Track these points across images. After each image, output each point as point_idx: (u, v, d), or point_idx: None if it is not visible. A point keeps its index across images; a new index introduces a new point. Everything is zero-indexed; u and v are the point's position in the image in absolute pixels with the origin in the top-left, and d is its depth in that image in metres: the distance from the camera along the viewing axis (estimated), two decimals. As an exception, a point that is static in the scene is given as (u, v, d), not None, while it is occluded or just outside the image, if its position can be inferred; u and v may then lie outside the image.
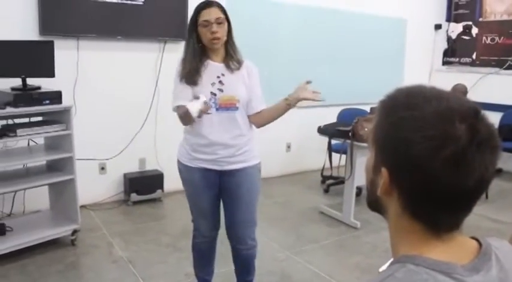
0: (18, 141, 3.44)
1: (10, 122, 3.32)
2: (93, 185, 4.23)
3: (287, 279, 3.07)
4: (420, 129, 0.69)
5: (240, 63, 2.38)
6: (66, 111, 3.27)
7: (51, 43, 3.34)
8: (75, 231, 3.40)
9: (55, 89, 3.27)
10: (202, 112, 2.16)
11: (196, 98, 2.20)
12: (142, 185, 4.36)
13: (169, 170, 4.51)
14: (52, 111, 3.26)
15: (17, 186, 3.27)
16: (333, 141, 4.28)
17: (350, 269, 3.21)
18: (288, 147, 5.55)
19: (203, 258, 2.67)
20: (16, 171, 3.45)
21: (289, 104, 2.48)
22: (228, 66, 2.34)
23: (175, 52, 4.46)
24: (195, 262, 2.69)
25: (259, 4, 4.92)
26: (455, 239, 0.75)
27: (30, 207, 3.82)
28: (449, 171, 0.68)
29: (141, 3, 4.15)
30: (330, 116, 4.96)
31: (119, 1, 4.03)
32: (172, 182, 4.54)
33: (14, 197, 3.72)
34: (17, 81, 3.25)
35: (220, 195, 2.46)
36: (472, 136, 0.67)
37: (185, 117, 2.20)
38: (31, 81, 3.29)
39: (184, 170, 2.44)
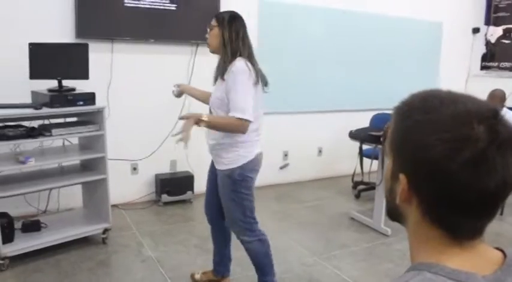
0: (54, 141, 3.54)
1: (46, 122, 3.42)
2: (125, 185, 4.30)
3: (314, 284, 3.04)
4: (437, 132, 0.67)
5: (222, 73, 2.44)
6: (99, 112, 3.34)
7: (86, 46, 3.42)
8: (106, 230, 3.46)
9: (89, 90, 3.34)
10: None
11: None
12: (173, 186, 4.41)
13: (200, 172, 4.55)
14: (86, 112, 3.34)
15: (52, 184, 3.37)
16: (365, 146, 4.22)
17: (379, 277, 3.15)
18: (320, 151, 5.51)
19: (211, 237, 2.96)
20: (51, 169, 3.55)
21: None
22: (220, 73, 2.47)
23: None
24: (271, 260, 2.72)
25: (290, 8, 4.90)
26: (477, 247, 0.72)
27: (64, 205, 3.93)
28: (469, 174, 0.65)
29: (174, 8, 4.21)
30: (362, 121, 4.90)
31: (152, 6, 4.10)
32: (203, 183, 4.57)
33: (49, 195, 3.83)
34: (53, 83, 3.34)
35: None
36: (492, 137, 0.65)
37: None
38: (67, 83, 3.38)
39: None
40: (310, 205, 4.61)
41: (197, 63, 4.46)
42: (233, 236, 2.79)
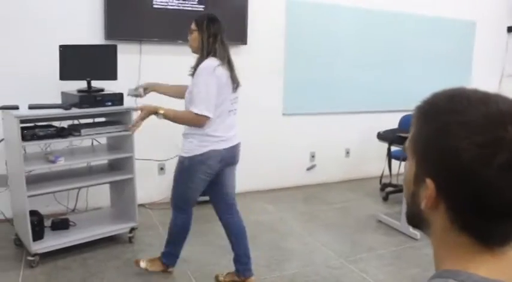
0: (83, 141, 3.60)
1: (76, 122, 3.49)
2: (152, 185, 4.34)
3: (340, 287, 3.00)
4: (469, 135, 0.63)
5: (194, 69, 2.68)
6: (127, 113, 3.38)
7: (115, 47, 3.47)
8: (132, 229, 3.50)
9: (118, 91, 3.39)
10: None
11: None
12: (200, 187, 4.41)
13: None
14: (114, 112, 3.39)
15: (81, 183, 3.44)
16: (393, 148, 4.15)
17: (406, 281, 3.09)
18: (347, 152, 5.45)
19: None
20: (80, 169, 3.62)
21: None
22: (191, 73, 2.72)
23: (235, 55, 4.44)
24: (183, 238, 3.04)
25: (318, 8, 4.86)
26: (508, 255, 0.68)
27: (92, 204, 4.00)
28: (504, 179, 0.62)
29: (202, 9, 4.23)
30: (391, 122, 4.82)
31: (180, 7, 4.13)
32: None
33: (77, 194, 3.90)
34: (83, 84, 3.40)
35: None
36: None
37: None
38: (96, 84, 3.44)
39: None
40: (337, 207, 4.56)
41: (224, 63, 4.46)
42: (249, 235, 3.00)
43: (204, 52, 2.64)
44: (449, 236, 0.70)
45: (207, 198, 4.33)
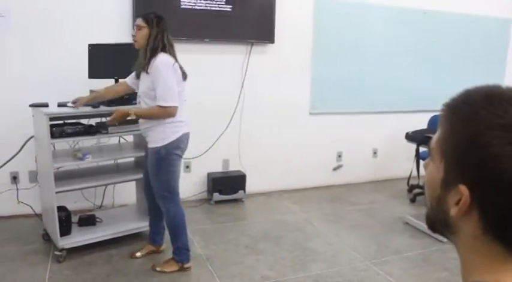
0: (110, 138, 3.65)
1: (103, 120, 3.53)
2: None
3: (365, 290, 2.95)
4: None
5: (145, 68, 2.84)
6: (154, 111, 3.39)
7: (142, 45, 3.49)
8: (157, 227, 3.52)
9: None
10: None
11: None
12: (225, 185, 4.43)
13: (252, 172, 4.58)
14: (141, 110, 3.41)
15: (108, 180, 3.48)
16: (422, 149, 4.07)
17: (433, 285, 3.02)
18: (375, 153, 5.37)
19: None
20: (107, 166, 3.67)
21: None
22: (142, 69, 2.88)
23: (262, 54, 4.51)
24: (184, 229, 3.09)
25: (346, 6, 4.80)
26: None
27: (118, 201, 4.06)
28: None
29: (229, 9, 4.23)
30: (420, 123, 4.72)
31: (208, 8, 4.14)
32: (255, 183, 4.61)
33: (104, 191, 3.96)
34: (111, 82, 3.44)
35: None
36: None
37: None
38: (123, 82, 3.47)
39: None
40: (363, 208, 4.50)
41: (251, 62, 4.46)
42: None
43: (149, 48, 2.82)
44: (479, 244, 0.66)
45: (229, 197, 4.39)
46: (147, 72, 2.83)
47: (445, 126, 0.68)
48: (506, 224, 0.62)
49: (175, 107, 2.82)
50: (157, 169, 2.95)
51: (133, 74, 3.06)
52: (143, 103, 2.91)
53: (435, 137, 0.71)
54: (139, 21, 2.88)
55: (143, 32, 2.85)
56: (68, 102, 3.15)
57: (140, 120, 2.99)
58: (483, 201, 0.63)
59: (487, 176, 0.61)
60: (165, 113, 2.81)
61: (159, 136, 2.89)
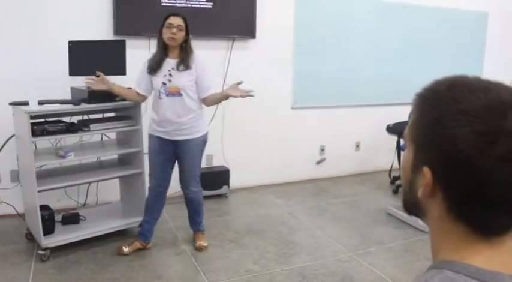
0: (92, 136, 3.63)
1: (85, 117, 3.52)
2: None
3: (348, 281, 2.99)
4: (468, 123, 0.62)
5: (187, 66, 3.08)
6: (136, 107, 3.40)
7: (123, 42, 3.49)
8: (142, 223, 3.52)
9: (127, 86, 3.40)
10: None
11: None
12: (209, 181, 4.43)
13: (236, 167, 4.60)
14: (123, 107, 3.41)
15: (91, 178, 3.47)
16: (402, 141, 4.12)
17: (415, 274, 3.06)
18: (357, 146, 5.42)
19: (147, 208, 3.35)
20: (90, 164, 3.65)
21: (225, 96, 3.24)
22: (178, 64, 3.07)
23: (243, 49, 4.51)
24: (145, 209, 3.36)
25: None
26: (506, 244, 0.67)
27: (102, 199, 4.04)
28: (504, 169, 0.60)
29: (210, 6, 4.23)
30: (401, 115, 4.77)
31: (188, 5, 4.13)
32: (239, 178, 4.62)
33: (88, 189, 3.94)
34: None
35: (174, 159, 3.26)
36: None
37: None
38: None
39: (149, 137, 3.27)
40: (346, 200, 4.55)
41: (233, 57, 4.47)
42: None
43: (191, 46, 3.13)
44: (445, 225, 0.69)
45: (214, 192, 4.40)
46: (189, 68, 3.06)
47: (415, 114, 0.71)
48: (466, 204, 0.65)
49: None
50: (201, 155, 3.28)
51: (141, 77, 3.17)
52: (187, 97, 3.09)
53: (408, 125, 0.74)
54: (181, 22, 3.05)
55: (183, 33, 3.06)
56: (49, 100, 3.14)
57: (181, 112, 3.10)
58: (444, 182, 0.66)
59: (445, 158, 0.64)
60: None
61: (203, 124, 3.27)
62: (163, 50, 3.10)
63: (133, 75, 3.65)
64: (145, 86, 3.17)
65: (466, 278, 0.62)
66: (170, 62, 3.09)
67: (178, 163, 3.29)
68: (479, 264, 0.64)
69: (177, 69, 3.06)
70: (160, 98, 3.10)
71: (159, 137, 3.18)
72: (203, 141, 3.24)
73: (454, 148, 0.62)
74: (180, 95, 3.08)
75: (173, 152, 3.22)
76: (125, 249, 3.24)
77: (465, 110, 0.63)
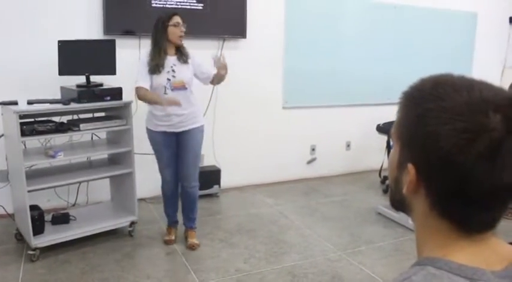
0: (83, 135, 3.62)
1: (75, 117, 3.51)
2: (153, 179, 4.33)
3: (338, 280, 3.01)
4: (450, 121, 0.63)
5: (187, 56, 3.25)
6: (126, 107, 3.39)
7: (113, 42, 3.49)
8: (132, 223, 3.53)
9: (118, 85, 3.40)
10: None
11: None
12: (200, 180, 4.38)
13: (227, 166, 4.60)
14: (113, 106, 3.40)
15: (81, 177, 3.46)
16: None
17: (405, 273, 3.09)
18: (348, 145, 5.44)
19: (169, 199, 3.50)
20: (80, 163, 3.64)
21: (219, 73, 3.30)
22: (179, 59, 3.22)
23: (234, 49, 4.51)
24: (164, 204, 3.53)
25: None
26: (488, 241, 0.68)
27: (92, 199, 4.03)
28: (483, 167, 0.62)
29: (201, 7, 4.23)
30: (392, 114, 4.78)
31: (179, 6, 4.13)
32: (229, 178, 4.62)
33: (78, 188, 3.92)
34: (82, 78, 3.42)
35: (177, 151, 3.33)
36: (509, 128, 0.61)
37: (153, 102, 3.19)
38: (95, 79, 3.45)
39: (151, 134, 3.31)
40: (337, 200, 4.57)
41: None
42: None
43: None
44: (429, 221, 0.70)
45: (204, 192, 4.40)
46: (188, 62, 3.24)
47: (400, 112, 0.73)
48: (447, 200, 0.66)
49: None
50: (201, 147, 3.40)
51: (146, 77, 3.15)
52: (189, 90, 3.25)
53: (394, 123, 0.75)
54: (181, 20, 3.19)
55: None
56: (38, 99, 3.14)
57: (185, 105, 3.18)
58: (427, 178, 0.67)
59: (427, 154, 0.65)
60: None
61: (201, 113, 3.46)
62: (164, 49, 3.16)
63: (124, 75, 3.67)
64: (149, 83, 3.19)
65: (448, 274, 0.64)
66: (170, 59, 3.18)
67: (180, 157, 3.35)
68: (462, 261, 0.65)
69: (180, 62, 3.20)
70: (165, 94, 3.16)
71: (163, 132, 3.25)
72: (202, 131, 3.37)
73: (435, 145, 0.64)
74: (185, 88, 3.21)
75: (176, 145, 3.32)
76: (172, 237, 3.47)
77: (447, 107, 0.64)
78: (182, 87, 3.20)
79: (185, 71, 3.22)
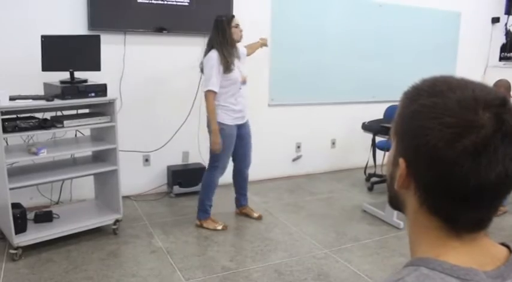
0: (66, 132, 3.57)
1: (59, 113, 3.45)
2: (137, 177, 4.32)
3: (324, 278, 3.01)
4: (439, 116, 0.63)
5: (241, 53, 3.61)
6: (111, 104, 3.35)
7: (98, 37, 3.43)
8: (117, 221, 3.49)
9: (102, 82, 3.36)
10: None
11: None
12: (185, 178, 4.42)
13: (212, 164, 4.56)
14: (98, 103, 3.36)
15: (65, 175, 3.39)
16: (378, 138, 4.17)
17: (390, 270, 3.12)
18: (333, 143, 5.46)
19: (215, 188, 3.75)
20: (64, 161, 3.59)
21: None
22: (237, 56, 3.51)
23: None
24: (210, 194, 3.74)
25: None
26: (479, 241, 0.69)
27: (76, 196, 3.98)
28: (469, 163, 0.62)
29: (187, 4, 4.20)
30: (377, 113, 4.84)
31: (164, 2, 4.09)
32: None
33: (61, 186, 3.88)
34: (66, 75, 3.36)
35: (237, 140, 3.65)
36: (497, 126, 0.61)
37: (210, 120, 3.50)
38: (80, 75, 3.40)
39: (229, 129, 3.53)
40: (322, 197, 4.59)
41: (209, 54, 4.44)
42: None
43: None
44: (420, 218, 0.70)
45: (189, 189, 4.38)
46: (240, 58, 3.54)
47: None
48: (436, 197, 0.67)
49: None
50: None
51: (218, 80, 3.39)
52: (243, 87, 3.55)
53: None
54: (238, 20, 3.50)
55: None
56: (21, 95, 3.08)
57: (245, 98, 3.58)
58: (415, 172, 0.68)
59: (416, 148, 0.66)
60: None
61: None
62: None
63: (108, 72, 3.62)
64: (219, 86, 3.43)
65: (441, 274, 0.64)
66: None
67: (240, 146, 3.67)
68: (454, 261, 0.65)
69: (237, 59, 3.49)
70: (240, 89, 3.50)
71: (236, 125, 3.58)
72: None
73: (423, 139, 0.64)
74: (245, 82, 3.55)
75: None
76: (223, 225, 3.71)
77: (439, 103, 0.65)
78: (244, 81, 3.53)
79: (242, 66, 3.54)
